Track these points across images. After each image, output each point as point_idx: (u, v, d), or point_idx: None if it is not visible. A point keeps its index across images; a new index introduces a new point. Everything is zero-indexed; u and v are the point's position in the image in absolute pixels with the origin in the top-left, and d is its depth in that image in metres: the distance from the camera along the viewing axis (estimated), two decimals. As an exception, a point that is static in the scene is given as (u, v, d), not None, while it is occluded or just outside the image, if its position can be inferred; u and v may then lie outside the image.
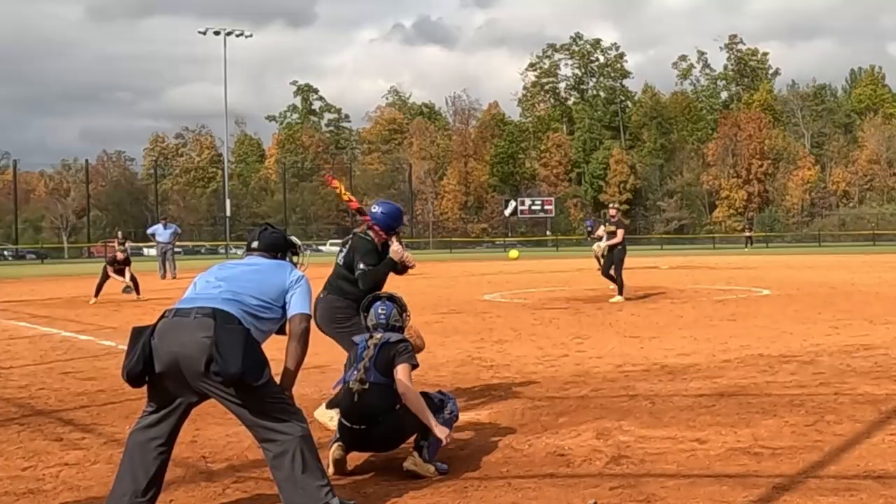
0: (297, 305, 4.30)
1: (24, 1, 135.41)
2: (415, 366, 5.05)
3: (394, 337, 5.10)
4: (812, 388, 7.12)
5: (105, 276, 18.41)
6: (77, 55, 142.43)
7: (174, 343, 3.98)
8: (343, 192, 6.45)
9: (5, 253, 68.19)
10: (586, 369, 8.36)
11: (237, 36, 72.17)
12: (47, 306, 17.81)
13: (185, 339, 3.97)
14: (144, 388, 4.19)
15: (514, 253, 25.49)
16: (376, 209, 6.34)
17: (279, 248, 4.60)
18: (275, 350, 4.40)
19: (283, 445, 4.03)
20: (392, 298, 5.30)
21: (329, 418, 6.09)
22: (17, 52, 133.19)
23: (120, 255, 18.84)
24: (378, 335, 5.12)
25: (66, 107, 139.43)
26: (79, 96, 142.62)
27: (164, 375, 4.03)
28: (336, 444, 4.98)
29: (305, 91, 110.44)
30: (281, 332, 4.38)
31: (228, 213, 71.22)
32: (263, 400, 4.03)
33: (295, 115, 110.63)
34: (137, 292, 18.35)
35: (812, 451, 5.17)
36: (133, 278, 18.50)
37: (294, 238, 4.77)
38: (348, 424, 4.94)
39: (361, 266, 6.05)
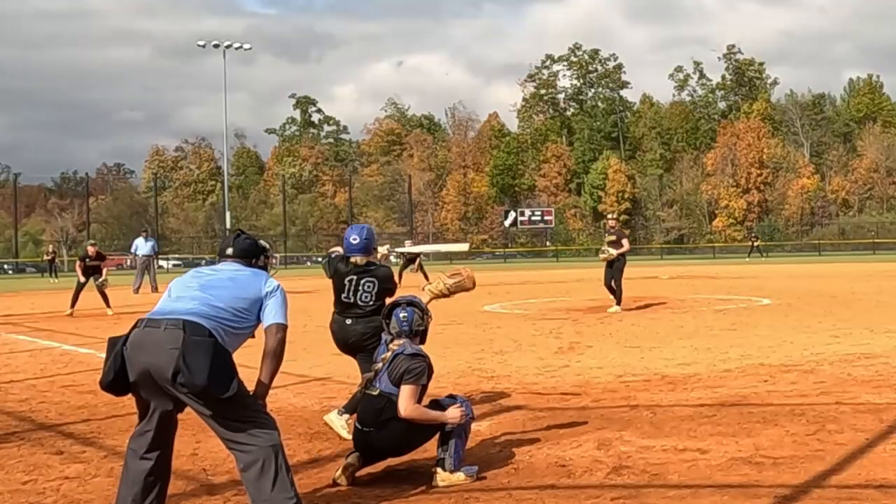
0: (273, 315, 4.30)
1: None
2: (423, 385, 5.06)
3: (409, 349, 5.10)
4: (813, 397, 7.11)
5: (79, 287, 18.34)
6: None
7: (144, 353, 4.02)
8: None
9: (5, 266, 68.23)
10: (587, 380, 8.36)
11: (236, 49, 72.32)
12: (47, 320, 17.79)
13: (154, 350, 4.00)
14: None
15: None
16: (356, 240, 6.29)
17: (252, 253, 4.59)
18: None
19: (252, 455, 4.04)
20: (412, 303, 5.31)
21: (341, 426, 6.09)
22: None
23: (91, 250, 18.69)
24: (399, 341, 5.14)
25: (66, 121, 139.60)
26: (79, 109, 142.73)
27: (138, 384, 4.08)
28: (353, 454, 5.04)
29: (304, 104, 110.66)
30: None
31: (228, 226, 71.21)
32: (233, 410, 4.04)
33: (294, 128, 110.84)
34: (108, 305, 18.26)
35: (813, 460, 5.16)
36: (102, 290, 18.37)
37: (264, 243, 4.77)
38: (358, 426, 5.03)
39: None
